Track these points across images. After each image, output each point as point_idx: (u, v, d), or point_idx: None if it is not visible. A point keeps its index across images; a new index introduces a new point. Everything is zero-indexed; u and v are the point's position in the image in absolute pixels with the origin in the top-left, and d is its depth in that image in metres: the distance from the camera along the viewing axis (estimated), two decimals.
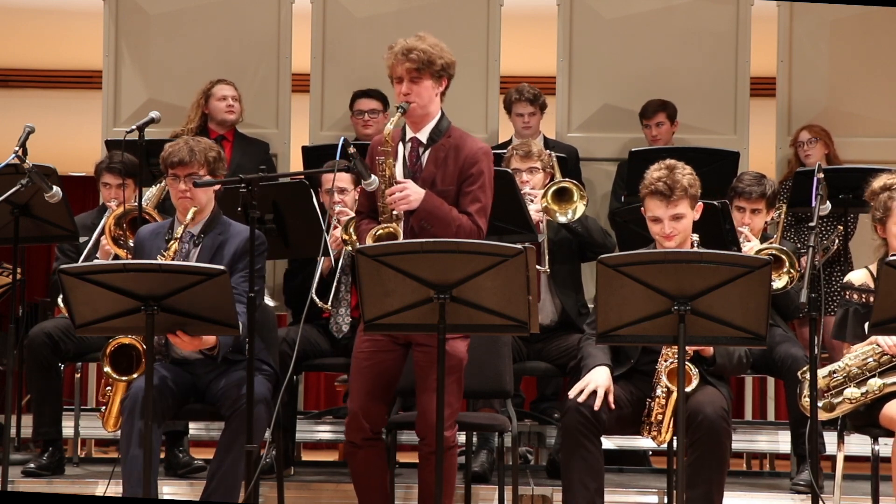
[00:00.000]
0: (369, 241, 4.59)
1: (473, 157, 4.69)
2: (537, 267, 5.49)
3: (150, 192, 6.20)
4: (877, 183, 5.16)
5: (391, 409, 4.90)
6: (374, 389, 4.68)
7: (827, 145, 7.23)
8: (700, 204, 4.90)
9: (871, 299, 4.91)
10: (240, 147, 7.12)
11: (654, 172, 4.86)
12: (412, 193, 4.61)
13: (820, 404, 4.90)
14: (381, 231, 4.62)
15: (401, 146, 4.73)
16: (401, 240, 4.56)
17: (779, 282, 5.53)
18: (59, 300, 5.75)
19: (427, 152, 4.72)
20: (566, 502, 4.76)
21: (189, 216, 5.04)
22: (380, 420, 4.74)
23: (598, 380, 4.80)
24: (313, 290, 5.46)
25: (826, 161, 7.05)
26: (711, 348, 4.80)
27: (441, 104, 4.76)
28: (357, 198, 5.23)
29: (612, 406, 4.77)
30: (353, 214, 5.45)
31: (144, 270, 4.46)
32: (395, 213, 4.63)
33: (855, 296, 5.05)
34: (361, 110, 7.20)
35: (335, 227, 5.74)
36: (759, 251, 5.54)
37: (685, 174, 4.84)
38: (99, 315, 4.47)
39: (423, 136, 4.73)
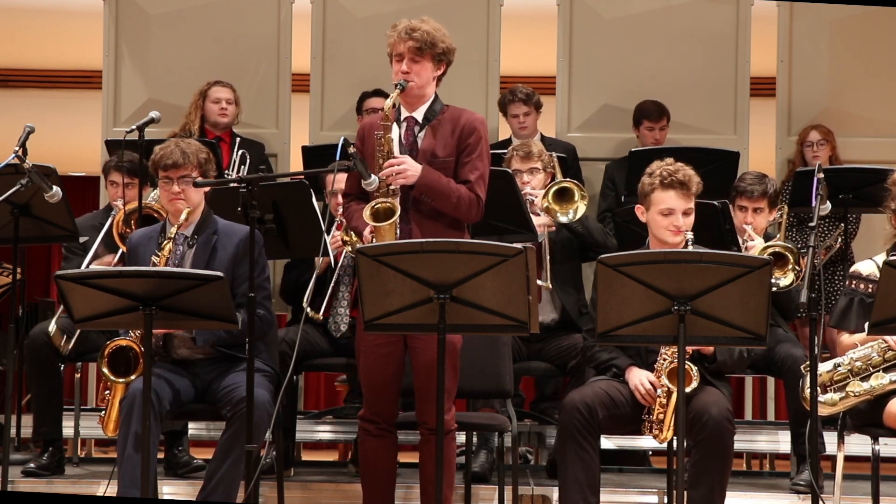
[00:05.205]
0: (366, 216, 4.59)
1: (471, 126, 4.72)
2: (538, 282, 5.48)
3: (155, 194, 6.20)
4: None
5: (399, 400, 4.89)
6: (385, 379, 4.69)
7: (833, 147, 7.24)
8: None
9: None
10: (238, 148, 7.11)
11: (668, 167, 4.89)
12: (409, 168, 4.61)
13: (822, 398, 4.88)
14: (378, 205, 4.60)
15: (395, 126, 4.72)
16: (398, 214, 4.57)
17: (784, 279, 5.49)
18: None
19: (423, 130, 4.73)
20: (562, 500, 4.78)
21: (183, 217, 5.06)
22: (391, 410, 4.75)
23: (641, 377, 4.86)
24: (306, 300, 5.43)
25: (829, 163, 7.04)
26: (712, 347, 4.80)
27: (437, 88, 4.77)
28: None
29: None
30: None
31: (140, 276, 4.46)
32: (391, 188, 4.62)
33: (861, 285, 4.98)
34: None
35: (338, 228, 5.73)
36: (763, 249, 5.53)
37: (694, 174, 4.90)
38: (97, 312, 4.48)
39: (419, 115, 4.74)
